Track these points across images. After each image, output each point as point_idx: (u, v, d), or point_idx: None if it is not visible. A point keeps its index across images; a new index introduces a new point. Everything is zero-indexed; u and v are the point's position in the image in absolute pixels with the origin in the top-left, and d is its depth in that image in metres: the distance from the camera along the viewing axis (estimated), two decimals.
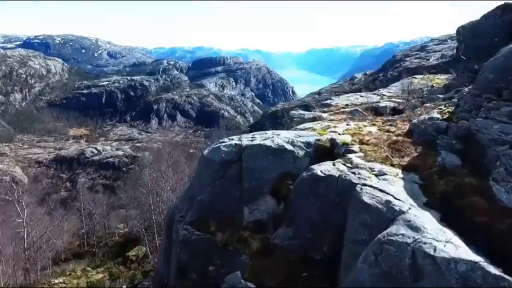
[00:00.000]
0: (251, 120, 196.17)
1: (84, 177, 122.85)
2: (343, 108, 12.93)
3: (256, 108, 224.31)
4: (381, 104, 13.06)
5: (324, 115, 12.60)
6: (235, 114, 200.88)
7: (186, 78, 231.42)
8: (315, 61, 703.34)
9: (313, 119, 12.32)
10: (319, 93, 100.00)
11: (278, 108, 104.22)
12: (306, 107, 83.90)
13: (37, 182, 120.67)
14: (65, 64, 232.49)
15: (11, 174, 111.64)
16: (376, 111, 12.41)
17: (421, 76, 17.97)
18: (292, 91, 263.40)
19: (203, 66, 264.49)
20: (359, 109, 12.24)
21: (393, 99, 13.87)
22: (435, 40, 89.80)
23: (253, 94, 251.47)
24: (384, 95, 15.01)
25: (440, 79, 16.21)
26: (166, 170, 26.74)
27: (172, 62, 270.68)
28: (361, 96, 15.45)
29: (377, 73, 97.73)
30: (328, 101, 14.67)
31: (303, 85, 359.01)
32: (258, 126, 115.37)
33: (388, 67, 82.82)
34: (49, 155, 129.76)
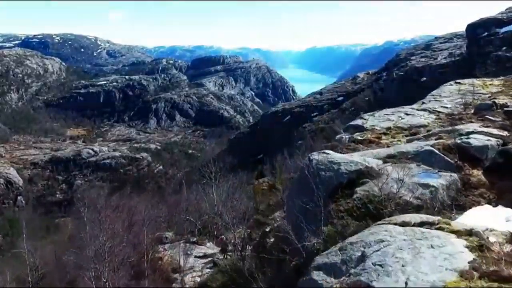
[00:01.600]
0: (251, 120, 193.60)
1: (81, 179, 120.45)
2: (386, 133, 9.46)
3: (256, 107, 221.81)
4: (475, 142, 7.85)
5: (374, 162, 7.57)
6: (235, 114, 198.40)
7: (185, 77, 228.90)
8: (315, 60, 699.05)
9: (359, 175, 7.34)
10: (320, 93, 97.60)
11: (279, 109, 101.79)
12: (307, 107, 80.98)
13: (32, 184, 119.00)
14: (63, 63, 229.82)
15: (5, 176, 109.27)
16: (465, 152, 7.48)
17: (470, 80, 14.91)
18: (292, 90, 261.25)
19: (202, 65, 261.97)
20: (434, 150, 7.98)
21: (483, 129, 8.51)
22: (440, 39, 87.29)
23: (253, 93, 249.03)
24: (439, 112, 11.12)
25: (495, 85, 13.24)
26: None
27: (171, 61, 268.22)
28: (406, 114, 10.80)
29: (380, 72, 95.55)
30: (359, 122, 11.31)
31: (303, 84, 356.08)
32: (258, 126, 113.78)
33: (392, 66, 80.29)
34: (45, 156, 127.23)
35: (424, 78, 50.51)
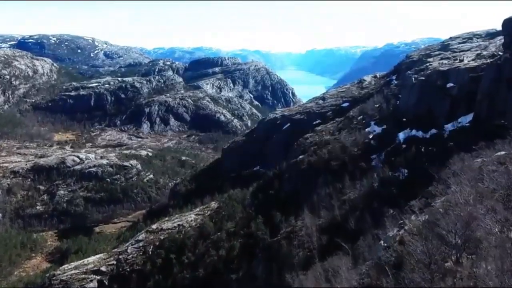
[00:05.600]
0: (249, 124, 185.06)
1: (64, 189, 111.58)
2: None
3: (254, 111, 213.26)
4: None
5: None
6: (232, 118, 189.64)
7: (181, 79, 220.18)
8: (315, 62, 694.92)
9: None
10: (323, 98, 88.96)
11: (277, 115, 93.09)
12: (308, 113, 71.35)
13: (11, 194, 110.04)
14: (55, 64, 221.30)
15: None
16: None
17: None
18: (292, 93, 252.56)
19: (200, 67, 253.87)
20: None
21: None
22: (456, 39, 79.08)
23: (252, 96, 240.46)
24: None
25: None
26: None
27: (168, 63, 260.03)
28: None
29: (389, 75, 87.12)
30: None
31: (302, 86, 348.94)
32: (254, 135, 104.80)
33: (405, 69, 71.96)
34: (26, 164, 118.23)
35: (451, 84, 42.11)
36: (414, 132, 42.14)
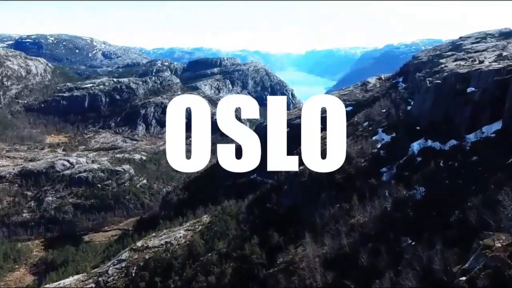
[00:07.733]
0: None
1: (52, 195, 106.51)
2: None
3: None
4: None
5: None
6: None
7: (178, 80, 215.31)
8: (315, 63, 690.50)
9: None
10: None
11: None
12: None
13: None
14: (49, 64, 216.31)
15: None
16: None
17: None
18: (292, 94, 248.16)
19: (198, 68, 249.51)
20: None
21: None
22: (468, 38, 74.31)
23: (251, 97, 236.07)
24: None
25: None
26: None
27: (166, 63, 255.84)
28: None
29: (395, 77, 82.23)
30: None
31: (302, 87, 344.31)
32: None
33: (413, 70, 67.14)
34: (14, 169, 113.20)
35: (472, 89, 37.17)
36: (430, 142, 37.17)
